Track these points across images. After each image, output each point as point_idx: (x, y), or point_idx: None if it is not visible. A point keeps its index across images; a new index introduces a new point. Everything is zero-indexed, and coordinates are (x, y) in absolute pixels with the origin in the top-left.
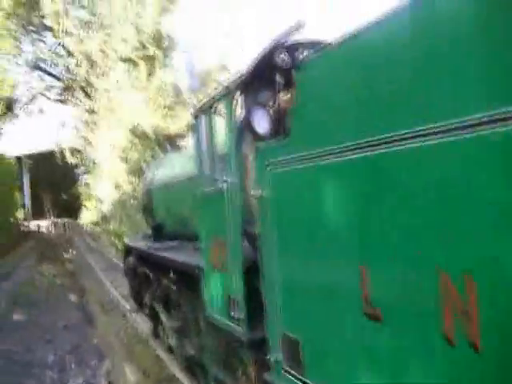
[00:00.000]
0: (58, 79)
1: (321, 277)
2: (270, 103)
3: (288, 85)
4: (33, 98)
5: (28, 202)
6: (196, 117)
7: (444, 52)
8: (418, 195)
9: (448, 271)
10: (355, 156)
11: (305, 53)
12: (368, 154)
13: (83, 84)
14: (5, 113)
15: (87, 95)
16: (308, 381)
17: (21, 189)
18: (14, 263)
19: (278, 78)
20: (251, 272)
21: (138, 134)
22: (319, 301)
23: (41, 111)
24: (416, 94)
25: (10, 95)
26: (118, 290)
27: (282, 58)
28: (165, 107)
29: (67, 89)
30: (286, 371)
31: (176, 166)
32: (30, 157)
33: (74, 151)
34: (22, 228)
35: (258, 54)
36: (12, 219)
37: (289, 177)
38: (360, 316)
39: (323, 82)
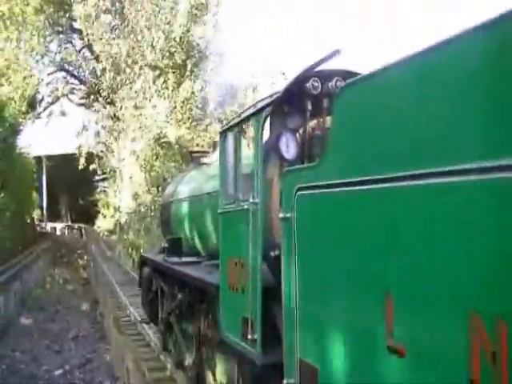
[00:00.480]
0: (83, 83)
1: (343, 305)
2: (299, 129)
3: (317, 112)
4: (56, 100)
5: (45, 203)
6: (223, 134)
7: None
8: (453, 234)
9: (480, 313)
10: (387, 187)
11: (337, 82)
12: (401, 186)
13: (108, 89)
14: (27, 111)
15: (111, 101)
16: None
17: (38, 189)
18: (27, 264)
19: (308, 105)
20: (268, 296)
21: (161, 143)
22: (340, 329)
23: (63, 114)
24: (462, 128)
25: (34, 94)
26: (134, 306)
27: (314, 85)
28: (190, 118)
29: (91, 93)
30: None
31: (197, 182)
32: (49, 158)
33: (94, 157)
34: (37, 229)
35: (291, 79)
36: (28, 219)
37: (317, 202)
38: (382, 349)
39: (360, 110)
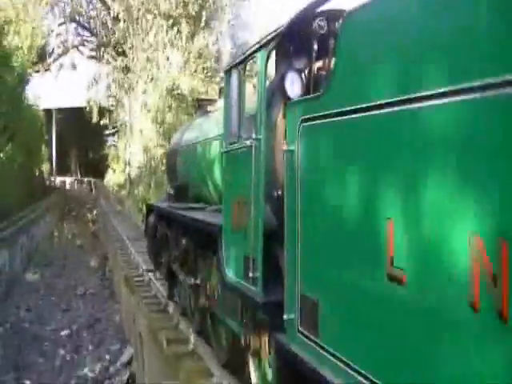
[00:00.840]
0: (94, 34)
1: (344, 236)
2: (304, 69)
3: (324, 52)
4: (66, 51)
5: (54, 156)
6: (227, 73)
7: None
8: (455, 152)
9: (481, 234)
10: (389, 111)
11: None
12: (402, 109)
13: (120, 41)
14: (36, 62)
15: (123, 53)
16: (322, 343)
17: (48, 143)
18: (35, 218)
19: (315, 45)
20: (270, 237)
21: (174, 95)
22: (341, 261)
23: (73, 66)
24: (460, 50)
25: (43, 46)
26: (147, 264)
27: (320, 24)
28: (205, 70)
29: (102, 45)
30: (300, 333)
31: (203, 128)
32: (59, 111)
33: (104, 110)
34: (46, 182)
35: (295, 14)
36: (36, 172)
37: (321, 133)
38: (382, 278)
39: (364, 37)
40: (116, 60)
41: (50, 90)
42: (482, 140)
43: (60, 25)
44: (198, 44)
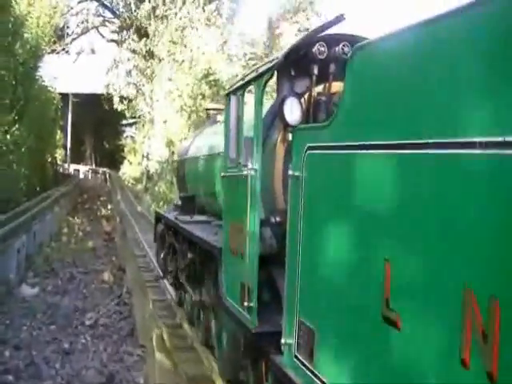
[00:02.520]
0: (116, 15)
1: (343, 269)
2: (304, 93)
3: (324, 77)
4: (86, 31)
5: (69, 143)
6: (227, 97)
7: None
8: (455, 204)
9: (475, 291)
10: (391, 153)
11: (344, 47)
12: (413, 153)
13: (144, 22)
14: (54, 41)
15: (146, 36)
16: (317, 372)
17: (63, 128)
18: (41, 210)
19: (315, 70)
20: (270, 261)
21: (210, 82)
22: (340, 293)
23: (93, 51)
24: (478, 97)
25: (61, 25)
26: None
27: (320, 49)
28: (246, 55)
29: (124, 28)
30: (297, 358)
31: (211, 141)
32: (76, 97)
33: (123, 99)
34: (59, 170)
35: (295, 42)
36: (49, 158)
37: (326, 162)
38: (378, 318)
39: (373, 73)
40: (138, 43)
41: (68, 74)
42: (481, 196)
43: (80, 2)
44: (240, 24)
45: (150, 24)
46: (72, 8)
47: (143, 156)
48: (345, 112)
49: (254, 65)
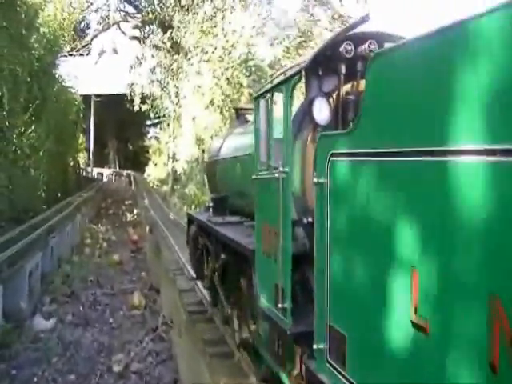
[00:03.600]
0: (138, 10)
1: (371, 275)
2: (333, 93)
3: (351, 76)
4: (107, 28)
5: (92, 146)
6: (256, 100)
7: None
8: (480, 211)
9: (502, 297)
10: (422, 160)
11: (371, 45)
12: (426, 159)
13: (169, 13)
14: (74, 39)
15: (170, 27)
16: (349, 377)
17: (85, 131)
18: (61, 220)
19: (342, 69)
20: (304, 261)
21: (250, 67)
22: (368, 299)
23: (114, 51)
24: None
25: (81, 21)
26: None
27: (347, 48)
28: (288, 38)
29: (147, 22)
30: (329, 363)
31: (241, 141)
32: (98, 98)
33: (147, 98)
34: (81, 174)
35: (322, 43)
36: (72, 162)
37: (349, 169)
38: (407, 324)
39: (394, 78)
40: (163, 36)
41: (89, 75)
42: (506, 202)
43: None
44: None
45: (174, 15)
46: (92, 4)
47: (169, 156)
48: (367, 119)
49: (297, 47)
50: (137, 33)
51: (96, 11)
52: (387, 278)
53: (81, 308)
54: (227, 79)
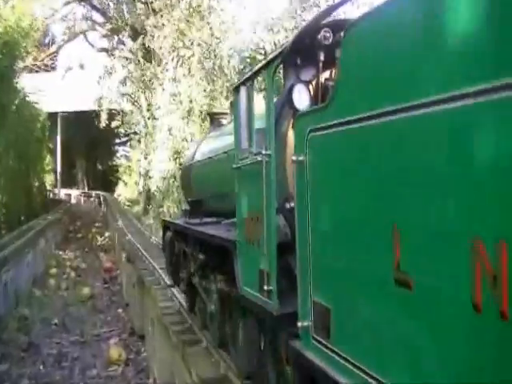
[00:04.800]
0: (107, 18)
1: (352, 243)
2: (312, 80)
3: (330, 63)
4: (74, 37)
5: (59, 166)
6: (236, 90)
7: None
8: (457, 158)
9: (482, 237)
10: (393, 119)
11: None
12: (404, 116)
13: (139, 18)
14: (38, 47)
15: (143, 33)
16: (335, 349)
17: (52, 151)
18: (20, 246)
19: (321, 56)
20: (285, 250)
21: (254, 58)
22: (350, 267)
23: (81, 67)
24: (460, 54)
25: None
26: None
27: (325, 35)
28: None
29: (116, 30)
30: (314, 339)
31: (215, 143)
32: (65, 116)
33: (117, 114)
34: (48, 196)
35: (300, 30)
36: (37, 184)
37: (328, 142)
38: (390, 283)
39: (368, 46)
40: (134, 44)
41: (55, 91)
42: (482, 145)
43: (66, 4)
44: None
45: (147, 19)
46: (56, 11)
47: (140, 174)
48: (342, 89)
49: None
50: (105, 44)
51: (62, 20)
52: (369, 241)
53: (41, 367)
54: (212, 80)
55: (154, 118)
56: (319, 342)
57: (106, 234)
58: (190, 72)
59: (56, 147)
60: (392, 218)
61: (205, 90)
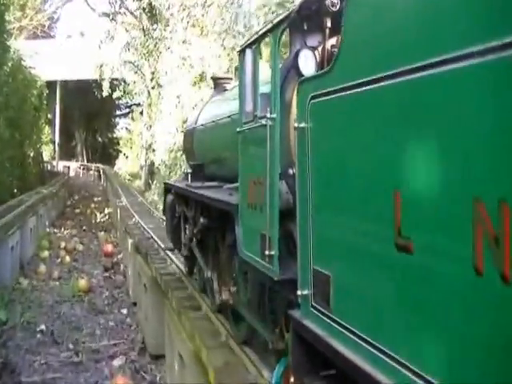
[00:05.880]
0: None
1: (353, 209)
2: (318, 46)
3: (337, 30)
4: None
5: (57, 137)
6: (241, 52)
7: None
8: (461, 121)
9: (484, 198)
10: (396, 82)
11: None
12: (406, 79)
13: None
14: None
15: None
16: (335, 317)
17: (50, 122)
18: (7, 224)
19: (328, 23)
20: (287, 216)
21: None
22: (350, 233)
23: (81, 34)
24: (465, 14)
25: None
26: None
27: (333, 1)
28: None
29: None
30: (313, 307)
31: (219, 107)
32: (64, 85)
33: (119, 83)
34: (45, 168)
35: None
36: (33, 155)
37: (330, 108)
38: (391, 248)
39: (372, 9)
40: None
41: (54, 59)
42: (483, 105)
43: None
44: None
45: None
46: None
47: (143, 147)
48: (345, 53)
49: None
50: (107, 7)
51: None
52: (370, 206)
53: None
54: (233, 37)
55: (159, 86)
56: (319, 311)
57: (106, 211)
58: (202, 33)
59: (55, 117)
60: (393, 183)
61: (224, 49)
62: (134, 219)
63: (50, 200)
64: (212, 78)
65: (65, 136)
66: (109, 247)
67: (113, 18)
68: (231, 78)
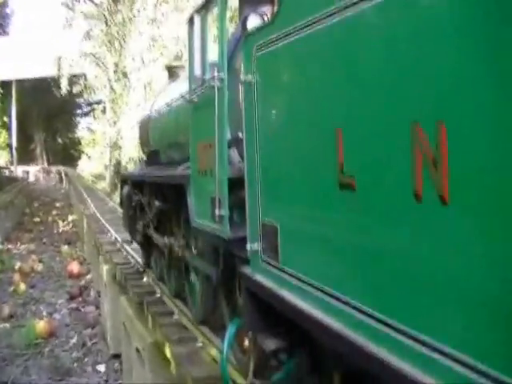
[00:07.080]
0: None
1: (298, 155)
2: (268, 13)
3: None
4: None
5: (14, 141)
6: (190, 21)
7: None
8: (397, 49)
9: (422, 122)
10: (334, 20)
11: None
12: (348, 14)
13: None
14: None
15: None
16: (285, 268)
17: (6, 125)
18: None
19: None
20: (238, 182)
21: None
22: (295, 180)
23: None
24: None
25: None
26: None
27: None
28: None
29: None
30: (263, 261)
31: (172, 92)
32: (21, 84)
33: (79, 78)
34: (2, 174)
35: None
36: None
37: (274, 58)
38: (335, 188)
39: None
40: None
41: (8, 58)
42: (420, 30)
43: None
44: None
45: None
46: None
47: (107, 145)
48: (288, 2)
49: None
50: None
51: None
52: (314, 150)
53: None
54: None
55: (125, 77)
56: (269, 264)
57: (70, 218)
58: (176, 8)
59: (11, 120)
60: (335, 123)
61: None
62: (108, 234)
63: (2, 210)
64: (166, 66)
65: (23, 139)
66: (74, 267)
67: (71, 8)
68: (184, 66)
